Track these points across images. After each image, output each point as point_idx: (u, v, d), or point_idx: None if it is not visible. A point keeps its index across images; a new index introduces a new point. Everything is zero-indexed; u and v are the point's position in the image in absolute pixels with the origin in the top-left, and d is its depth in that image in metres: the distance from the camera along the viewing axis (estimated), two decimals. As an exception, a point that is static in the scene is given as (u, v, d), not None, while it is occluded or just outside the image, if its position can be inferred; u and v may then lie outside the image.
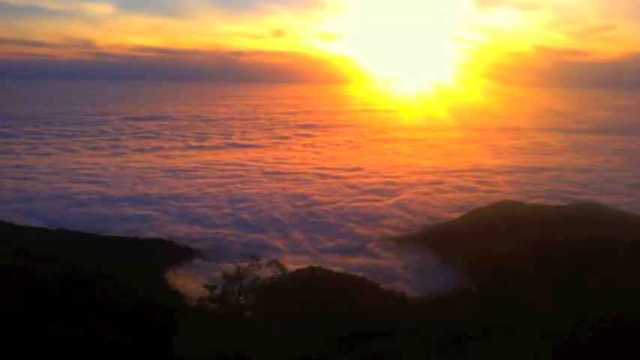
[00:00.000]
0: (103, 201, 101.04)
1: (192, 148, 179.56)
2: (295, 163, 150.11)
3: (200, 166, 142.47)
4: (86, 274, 15.12)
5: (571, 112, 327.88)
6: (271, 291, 33.76)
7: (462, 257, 64.55)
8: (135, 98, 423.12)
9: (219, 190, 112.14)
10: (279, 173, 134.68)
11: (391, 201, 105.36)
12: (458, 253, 66.14)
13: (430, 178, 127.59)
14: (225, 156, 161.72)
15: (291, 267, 52.03)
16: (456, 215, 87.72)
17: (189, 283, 55.00)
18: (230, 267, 32.32)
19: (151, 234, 78.66)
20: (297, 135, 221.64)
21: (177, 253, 69.93)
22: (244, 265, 31.71)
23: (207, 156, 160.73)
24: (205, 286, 31.32)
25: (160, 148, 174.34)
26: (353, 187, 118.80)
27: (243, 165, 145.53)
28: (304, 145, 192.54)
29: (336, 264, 67.28)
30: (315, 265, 63.11)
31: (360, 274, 60.33)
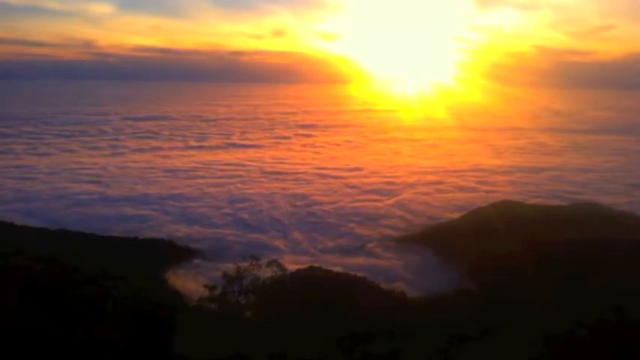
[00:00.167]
0: (103, 201, 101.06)
1: (192, 148, 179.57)
2: (295, 163, 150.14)
3: (200, 166, 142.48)
4: (86, 274, 15.11)
5: (571, 112, 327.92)
6: (271, 291, 33.70)
7: (462, 257, 64.61)
8: (135, 98, 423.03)
9: (219, 190, 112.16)
10: (279, 173, 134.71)
11: (391, 201, 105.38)
12: (458, 253, 66.19)
13: (430, 178, 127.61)
14: (224, 156, 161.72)
15: (291, 267, 52.03)
16: (456, 215, 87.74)
17: (189, 283, 55.02)
18: (230, 267, 32.19)
19: (151, 234, 78.65)
20: (297, 135, 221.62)
21: (177, 253, 69.96)
22: (244, 265, 31.60)
23: (207, 156, 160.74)
24: (205, 286, 31.20)
25: (160, 148, 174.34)
26: (353, 187, 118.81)
27: (243, 165, 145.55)
28: (304, 145, 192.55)
29: (336, 264, 67.30)
30: (315, 265, 63.15)
31: (360, 274, 60.37)
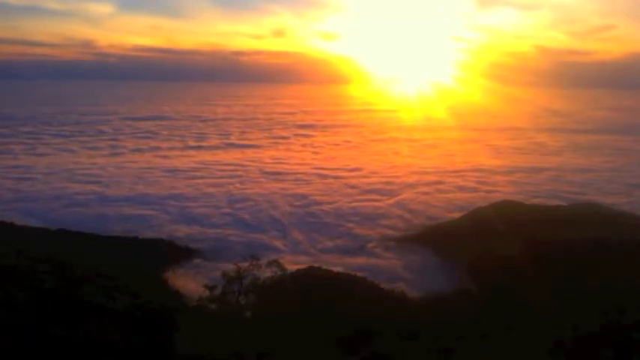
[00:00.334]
0: (102, 201, 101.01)
1: (191, 148, 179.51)
2: (294, 164, 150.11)
3: (199, 166, 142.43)
4: (86, 274, 15.08)
5: (571, 112, 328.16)
6: (271, 291, 33.62)
7: (462, 257, 64.57)
8: (134, 98, 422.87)
9: (218, 190, 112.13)
10: (278, 173, 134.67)
11: (391, 201, 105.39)
12: (458, 253, 66.17)
13: (430, 178, 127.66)
14: (224, 156, 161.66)
15: (291, 267, 51.98)
16: (456, 215, 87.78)
17: (189, 283, 54.99)
18: (230, 267, 32.12)
19: (151, 234, 78.67)
20: (296, 135, 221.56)
21: (177, 253, 69.99)
22: (244, 265, 31.55)
23: (206, 156, 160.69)
24: (205, 286, 31.14)
25: (159, 148, 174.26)
26: (353, 187, 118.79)
27: (242, 165, 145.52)
28: (303, 145, 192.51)
29: (336, 264, 67.32)
30: (315, 265, 63.15)
31: (360, 274, 60.39)
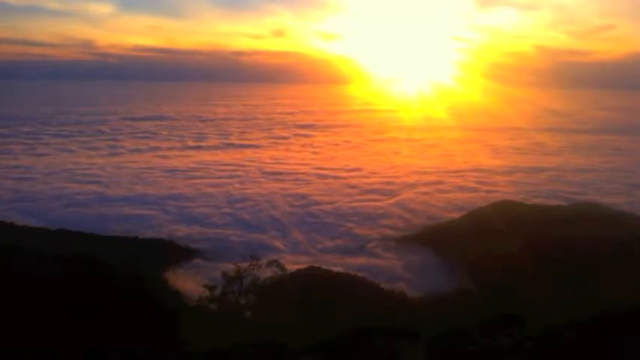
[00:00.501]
0: (102, 201, 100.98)
1: (191, 148, 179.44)
2: (294, 164, 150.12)
3: (198, 166, 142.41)
4: (86, 274, 15.08)
5: (571, 112, 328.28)
6: (271, 291, 33.68)
7: (462, 257, 64.56)
8: (134, 98, 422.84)
9: (218, 190, 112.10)
10: (278, 173, 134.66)
11: (391, 201, 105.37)
12: (458, 253, 66.15)
13: (430, 178, 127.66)
14: (223, 156, 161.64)
15: (291, 267, 52.02)
16: (456, 215, 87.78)
17: (189, 283, 54.95)
18: (230, 267, 32.20)
19: (151, 234, 78.61)
20: (295, 135, 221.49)
21: (177, 253, 69.92)
22: (244, 265, 31.61)
23: (206, 156, 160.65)
24: (205, 286, 31.19)
25: (158, 149, 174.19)
26: (353, 187, 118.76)
27: (241, 165, 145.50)
28: (303, 146, 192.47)
29: (336, 264, 67.27)
30: (315, 265, 63.13)
31: (360, 274, 60.38)
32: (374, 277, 60.08)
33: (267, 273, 32.68)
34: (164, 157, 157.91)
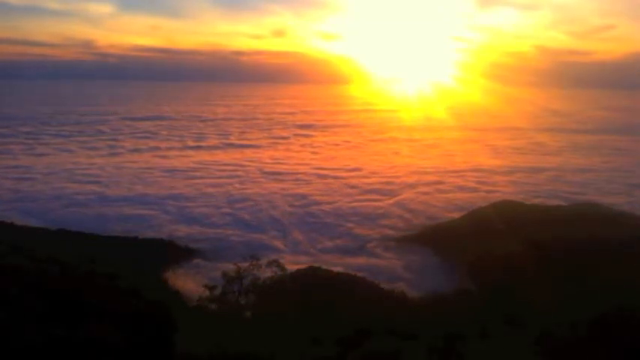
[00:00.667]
0: (102, 201, 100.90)
1: (190, 148, 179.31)
2: (294, 164, 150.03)
3: (198, 166, 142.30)
4: (86, 274, 15.06)
5: (571, 113, 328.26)
6: (271, 291, 33.60)
7: (462, 257, 64.52)
8: (134, 98, 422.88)
9: (218, 190, 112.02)
10: (278, 174, 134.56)
11: (391, 201, 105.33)
12: (458, 253, 66.12)
13: (430, 178, 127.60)
14: (223, 156, 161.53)
15: (291, 267, 51.96)
16: (456, 215, 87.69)
17: (189, 283, 54.91)
18: (230, 267, 32.13)
19: (151, 234, 78.55)
20: (295, 135, 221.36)
21: (177, 253, 69.88)
22: (244, 265, 31.56)
23: (205, 156, 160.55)
24: (205, 286, 31.14)
25: (158, 149, 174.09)
26: (352, 187, 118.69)
27: (241, 165, 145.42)
28: (303, 146, 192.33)
29: (336, 264, 67.23)
30: (315, 265, 63.05)
31: (360, 274, 60.32)
32: (374, 277, 60.05)
33: (267, 273, 32.62)
34: (164, 157, 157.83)
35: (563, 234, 61.67)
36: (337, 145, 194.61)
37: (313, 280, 52.82)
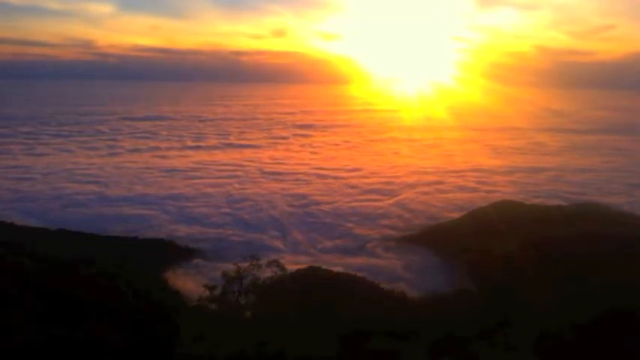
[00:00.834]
0: (101, 201, 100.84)
1: (190, 148, 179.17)
2: (294, 164, 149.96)
3: (198, 166, 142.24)
4: (86, 274, 15.05)
5: (571, 112, 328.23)
6: (271, 291, 33.61)
7: (462, 257, 64.52)
8: (134, 98, 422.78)
9: (217, 190, 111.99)
10: (277, 174, 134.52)
11: (391, 201, 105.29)
12: (458, 253, 66.10)
13: (430, 178, 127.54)
14: (222, 156, 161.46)
15: (291, 267, 51.92)
16: (456, 215, 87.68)
17: (189, 283, 54.90)
18: (230, 267, 32.13)
19: (151, 234, 78.51)
20: (295, 135, 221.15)
21: (177, 253, 69.85)
22: (244, 265, 31.56)
23: (205, 156, 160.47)
24: (205, 286, 31.13)
25: (157, 149, 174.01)
26: (352, 187, 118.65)
27: (241, 165, 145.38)
28: (302, 146, 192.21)
29: (336, 264, 67.19)
30: (315, 265, 62.99)
31: (360, 274, 60.26)
32: (374, 277, 59.97)
33: (267, 273, 32.63)
34: (163, 157, 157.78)
35: (563, 234, 61.69)
36: (337, 145, 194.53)
37: (313, 280, 52.78)
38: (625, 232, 61.90)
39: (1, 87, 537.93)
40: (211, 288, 30.76)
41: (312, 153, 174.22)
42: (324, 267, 61.28)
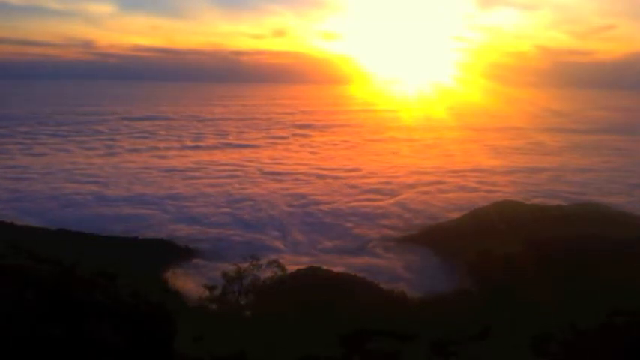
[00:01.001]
0: (101, 201, 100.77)
1: (189, 148, 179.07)
2: (293, 164, 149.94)
3: (197, 166, 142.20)
4: (86, 274, 15.00)
5: (571, 112, 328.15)
6: (271, 291, 33.57)
7: (462, 257, 64.56)
8: (133, 98, 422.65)
9: (217, 190, 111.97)
10: (277, 174, 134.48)
11: (391, 201, 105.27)
12: (458, 253, 66.13)
13: (430, 178, 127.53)
14: (222, 156, 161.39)
15: (291, 267, 51.87)
16: (456, 215, 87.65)
17: (189, 283, 54.82)
18: (230, 267, 32.07)
19: (150, 234, 78.47)
20: (294, 135, 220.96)
21: (177, 253, 69.86)
22: (244, 265, 31.49)
23: (204, 156, 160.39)
24: (205, 286, 31.08)
25: (156, 149, 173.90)
26: (352, 187, 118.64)
27: (240, 165, 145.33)
28: (302, 146, 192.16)
29: (336, 264, 67.19)
30: (315, 265, 62.98)
31: (360, 274, 60.27)
32: (374, 277, 59.96)
33: (267, 273, 32.58)
34: (162, 157, 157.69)
35: (563, 234, 61.74)
36: (336, 145, 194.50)
37: (313, 280, 52.76)
38: (625, 232, 61.91)
39: (1, 87, 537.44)
40: (211, 288, 30.70)
41: (312, 153, 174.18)
42: (324, 267, 61.28)
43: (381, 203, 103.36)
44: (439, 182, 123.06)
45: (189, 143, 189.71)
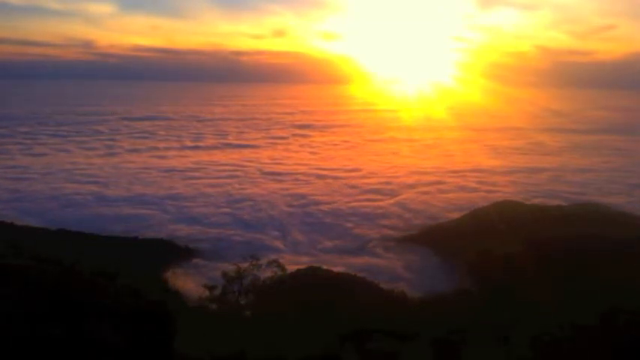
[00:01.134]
0: (101, 201, 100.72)
1: (189, 148, 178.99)
2: (293, 164, 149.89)
3: (197, 166, 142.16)
4: (86, 274, 15.01)
5: (571, 113, 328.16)
6: (271, 291, 33.57)
7: (462, 257, 64.55)
8: (133, 98, 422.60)
9: (217, 190, 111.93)
10: (277, 174, 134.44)
11: (391, 201, 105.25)
12: (458, 253, 66.12)
13: (430, 178, 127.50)
14: (221, 156, 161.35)
15: (291, 267, 51.89)
16: (456, 215, 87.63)
17: (189, 283, 54.81)
18: (230, 267, 32.07)
19: (150, 234, 78.43)
20: (294, 135, 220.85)
21: (177, 253, 69.84)
22: (244, 265, 31.49)
23: (204, 156, 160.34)
24: (205, 286, 31.08)
25: (156, 149, 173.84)
26: (352, 187, 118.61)
27: (240, 165, 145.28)
28: (301, 146, 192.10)
29: (336, 264, 67.18)
30: (315, 265, 62.99)
31: (360, 274, 60.27)
32: (374, 277, 59.97)
33: (267, 273, 32.58)
34: (162, 157, 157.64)
35: (563, 234, 61.74)
36: (336, 145, 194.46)
37: (313, 280, 52.77)
38: (625, 232, 61.91)
39: (1, 87, 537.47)
40: (211, 288, 30.70)
41: (312, 153, 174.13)
42: (324, 267, 61.29)
43: (381, 203, 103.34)
44: (439, 182, 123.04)
45: (189, 143, 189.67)
